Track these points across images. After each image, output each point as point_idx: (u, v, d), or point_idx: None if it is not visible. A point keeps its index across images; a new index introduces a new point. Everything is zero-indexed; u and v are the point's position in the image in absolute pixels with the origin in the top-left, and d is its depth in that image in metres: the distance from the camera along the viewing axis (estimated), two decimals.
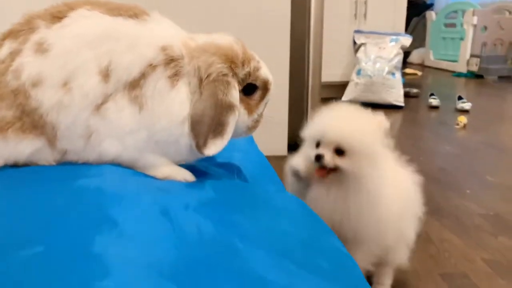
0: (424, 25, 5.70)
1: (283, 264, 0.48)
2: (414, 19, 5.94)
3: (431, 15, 5.54)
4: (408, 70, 4.96)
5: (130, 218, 0.48)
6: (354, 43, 3.36)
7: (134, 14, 0.62)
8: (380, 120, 0.89)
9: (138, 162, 0.62)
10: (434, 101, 3.26)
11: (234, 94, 0.61)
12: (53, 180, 0.55)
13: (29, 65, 0.57)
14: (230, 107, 0.60)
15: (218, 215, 0.54)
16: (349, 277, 0.53)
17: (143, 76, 0.59)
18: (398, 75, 3.22)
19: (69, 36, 0.58)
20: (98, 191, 0.52)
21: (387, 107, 3.10)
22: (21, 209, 0.47)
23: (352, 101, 3.20)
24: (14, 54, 0.58)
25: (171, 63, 0.60)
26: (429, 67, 5.49)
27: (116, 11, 0.61)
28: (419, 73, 5.02)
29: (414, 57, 5.85)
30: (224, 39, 0.64)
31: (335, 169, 0.86)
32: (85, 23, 0.59)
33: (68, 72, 0.57)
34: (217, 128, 0.59)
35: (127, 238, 0.45)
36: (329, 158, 0.85)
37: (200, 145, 0.59)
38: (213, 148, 0.60)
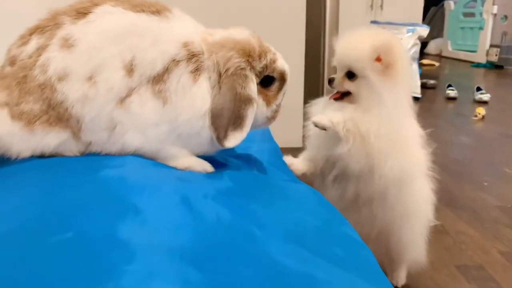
0: (442, 15, 5.59)
1: (299, 251, 0.50)
2: (432, 9, 5.83)
3: (449, 4, 5.43)
4: (425, 61, 4.89)
5: (152, 206, 0.50)
6: None
7: (157, 10, 0.63)
8: (394, 39, 0.89)
9: (160, 153, 0.64)
10: (451, 92, 3.21)
11: (252, 87, 0.63)
12: (79, 171, 0.57)
13: (55, 60, 0.59)
14: (248, 100, 0.62)
15: (236, 204, 0.55)
16: (363, 265, 0.54)
17: (166, 71, 0.61)
18: (414, 66, 3.18)
19: (94, 31, 0.60)
20: (122, 181, 0.54)
21: None
22: (50, 197, 0.50)
23: None
24: (41, 49, 0.60)
25: (193, 58, 0.62)
26: (446, 57, 5.39)
27: (139, 7, 0.63)
28: (437, 64, 4.94)
29: (432, 47, 5.75)
30: (241, 34, 0.65)
31: (349, 93, 0.90)
32: (110, 19, 0.61)
33: (93, 67, 0.59)
34: (236, 121, 0.61)
35: (150, 224, 0.47)
36: (338, 81, 0.90)
37: (220, 138, 0.61)
38: (233, 140, 0.61)
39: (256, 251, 0.47)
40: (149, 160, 0.63)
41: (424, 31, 3.25)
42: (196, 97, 0.62)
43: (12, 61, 0.62)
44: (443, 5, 5.58)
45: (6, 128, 0.60)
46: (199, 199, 0.54)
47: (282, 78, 0.67)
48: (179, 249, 0.44)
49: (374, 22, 3.32)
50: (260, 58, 0.64)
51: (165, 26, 0.63)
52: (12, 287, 0.36)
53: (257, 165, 0.73)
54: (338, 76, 0.91)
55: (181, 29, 0.64)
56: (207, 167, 0.67)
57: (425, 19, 5.09)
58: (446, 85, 3.34)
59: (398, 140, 0.88)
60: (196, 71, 0.62)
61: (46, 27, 0.62)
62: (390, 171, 0.88)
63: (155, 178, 0.57)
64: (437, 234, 1.33)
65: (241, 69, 0.62)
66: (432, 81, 3.61)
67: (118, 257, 0.40)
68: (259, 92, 0.65)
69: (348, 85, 0.90)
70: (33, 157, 0.61)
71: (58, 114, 0.60)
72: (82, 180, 0.54)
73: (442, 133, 2.49)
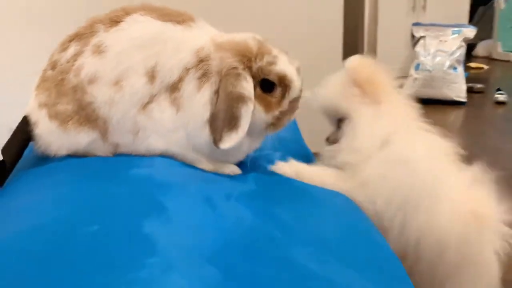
0: (492, 15, 5.33)
1: (320, 255, 0.50)
2: (481, 9, 5.58)
3: (499, 3, 5.17)
4: (472, 64, 4.67)
5: (177, 205, 0.52)
6: (413, 36, 3.24)
7: (182, 20, 0.66)
8: (350, 68, 0.77)
9: (187, 157, 0.67)
10: (500, 97, 3.06)
11: (245, 85, 0.61)
12: (109, 170, 0.61)
13: (87, 64, 0.64)
14: (240, 98, 0.60)
15: (258, 206, 0.56)
16: (388, 272, 0.53)
17: (181, 79, 0.63)
18: (460, 69, 3.05)
19: (123, 39, 0.64)
20: (149, 180, 0.57)
21: (448, 103, 2.96)
22: (82, 194, 0.53)
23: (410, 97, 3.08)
24: (77, 55, 0.65)
25: (200, 63, 0.63)
26: (496, 60, 5.13)
27: (167, 17, 0.66)
28: (485, 67, 4.71)
29: (480, 49, 5.50)
30: (241, 36, 0.65)
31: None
32: (138, 27, 0.65)
33: (120, 72, 0.63)
34: (231, 122, 0.60)
35: (173, 222, 0.49)
36: (334, 135, 0.79)
37: (216, 140, 0.61)
38: (228, 141, 0.60)
39: (276, 253, 0.47)
40: (177, 161, 0.65)
41: (471, 32, 3.12)
42: (199, 105, 0.63)
43: (53, 66, 0.67)
44: (492, 4, 5.33)
45: (45, 126, 0.65)
46: (222, 200, 0.55)
47: (283, 84, 0.64)
48: (199, 247, 0.46)
49: (416, 24, 3.23)
50: (256, 59, 0.63)
51: (186, 35, 0.65)
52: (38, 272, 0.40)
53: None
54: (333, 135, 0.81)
55: (198, 37, 0.65)
56: (235, 169, 0.69)
57: (472, 20, 4.88)
58: (495, 89, 3.18)
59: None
60: (203, 77, 0.63)
61: (83, 35, 0.66)
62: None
63: (180, 178, 0.60)
64: None
65: (233, 68, 0.61)
66: (479, 85, 3.44)
67: (139, 250, 0.42)
68: (258, 96, 0.63)
69: (338, 134, 0.78)
70: (68, 157, 0.66)
71: (87, 115, 0.64)
72: (112, 178, 0.57)
73: (489, 140, 2.37)
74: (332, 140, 0.80)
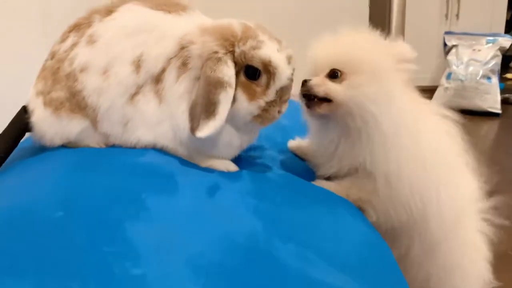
0: None
1: (305, 254, 0.46)
2: None
3: None
4: (509, 75, 4.48)
5: (158, 200, 0.49)
6: (445, 45, 3.13)
7: (175, 9, 0.64)
8: (399, 48, 0.65)
9: (176, 151, 0.64)
10: None
11: (225, 70, 0.57)
12: (96, 159, 0.59)
13: (80, 54, 0.64)
14: (219, 84, 0.57)
15: (249, 204, 0.53)
16: (384, 275, 0.49)
17: (163, 69, 0.62)
18: (494, 79, 2.92)
19: (113, 28, 0.63)
20: (133, 172, 0.54)
21: (481, 114, 2.83)
22: (59, 182, 0.52)
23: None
24: (73, 46, 0.65)
25: (181, 51, 0.61)
26: None
27: (160, 6, 0.64)
28: None
29: None
30: (227, 20, 0.62)
31: (329, 105, 0.65)
32: (128, 16, 0.64)
33: (109, 61, 0.62)
34: (209, 108, 0.57)
35: (150, 216, 0.46)
36: (316, 81, 0.65)
37: (193, 128, 0.58)
38: (206, 129, 0.57)
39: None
40: (168, 155, 0.63)
41: (507, 41, 2.98)
42: (176, 97, 0.60)
43: (52, 56, 0.68)
44: None
45: (40, 114, 0.65)
46: (207, 195, 0.52)
47: (267, 70, 0.59)
48: (173, 245, 0.42)
49: (448, 32, 3.13)
50: (239, 44, 0.59)
51: (174, 23, 0.63)
52: None
53: (282, 167, 0.70)
54: (315, 78, 0.66)
55: (186, 25, 0.63)
56: (230, 166, 0.65)
57: (511, 28, 4.68)
58: None
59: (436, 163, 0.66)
60: (182, 66, 0.60)
61: (82, 25, 0.66)
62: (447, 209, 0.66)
63: (168, 172, 0.57)
64: (508, 262, 1.18)
65: (214, 52, 0.58)
66: None
67: (101, 237, 0.39)
68: (241, 83, 0.60)
69: (334, 87, 0.64)
70: (61, 147, 0.65)
71: (77, 101, 0.63)
72: (96, 168, 0.55)
73: None
74: (314, 89, 0.65)
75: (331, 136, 0.67)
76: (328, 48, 0.66)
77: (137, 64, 0.62)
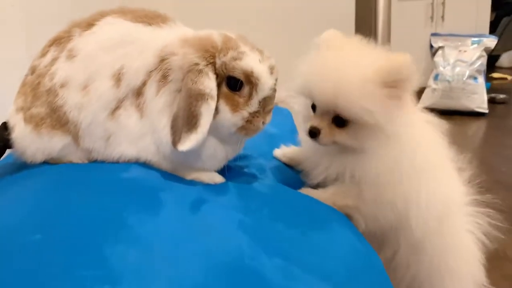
0: None
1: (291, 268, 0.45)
2: (505, 19, 5.43)
3: None
4: (495, 75, 4.54)
5: (146, 225, 0.47)
6: (431, 46, 3.17)
7: (155, 22, 0.64)
8: (399, 60, 0.60)
9: (160, 165, 0.63)
10: None
11: (206, 82, 0.57)
12: (80, 177, 0.58)
13: (61, 69, 0.62)
14: (200, 96, 0.56)
15: (241, 223, 0.51)
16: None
17: (144, 83, 0.61)
18: (481, 79, 2.96)
19: (92, 42, 0.62)
20: (115, 191, 0.53)
21: (468, 114, 2.86)
22: (41, 202, 0.50)
23: (429, 109, 3.01)
24: (54, 61, 0.64)
25: (161, 64, 0.60)
26: None
27: (140, 18, 0.64)
28: (509, 77, 4.56)
29: (505, 60, 5.34)
30: (206, 31, 0.62)
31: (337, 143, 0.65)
32: (107, 29, 0.63)
33: (88, 75, 0.61)
34: (191, 121, 0.56)
35: (140, 244, 0.44)
36: (326, 136, 0.63)
37: (175, 141, 0.57)
38: (188, 142, 0.56)
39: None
40: (153, 169, 0.62)
41: (491, 42, 3.02)
42: (156, 111, 0.60)
43: (33, 71, 0.66)
44: None
45: (20, 130, 0.63)
46: (191, 209, 0.51)
47: (250, 81, 0.58)
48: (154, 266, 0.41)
49: (434, 34, 3.16)
50: (220, 55, 0.58)
51: (154, 36, 0.62)
52: None
53: (269, 178, 0.69)
54: (321, 124, 0.64)
55: (166, 37, 0.62)
56: (217, 178, 0.64)
57: (497, 30, 4.74)
58: None
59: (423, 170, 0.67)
60: (162, 79, 0.59)
61: (62, 39, 0.65)
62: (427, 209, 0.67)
63: (154, 190, 0.56)
64: (497, 261, 1.19)
65: (195, 64, 0.57)
66: (502, 96, 3.32)
67: (79, 261, 0.38)
68: (224, 95, 0.59)
69: (340, 137, 0.64)
70: (44, 163, 0.63)
71: (58, 117, 0.62)
72: (79, 186, 0.54)
73: (511, 151, 2.27)
74: (323, 141, 0.65)
75: (326, 151, 0.68)
76: (330, 87, 0.62)
77: (118, 78, 0.61)
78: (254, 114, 0.60)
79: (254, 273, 0.43)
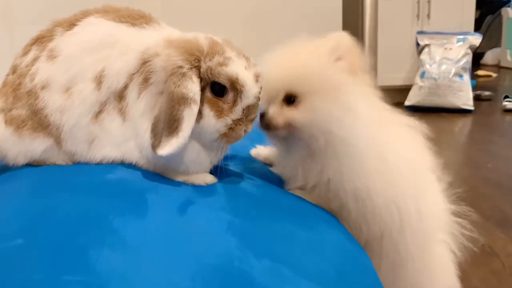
0: (500, 23, 5.27)
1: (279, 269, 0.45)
2: (489, 17, 5.52)
3: (507, 12, 5.11)
4: (480, 72, 4.61)
5: (133, 228, 0.46)
6: (418, 44, 3.19)
7: (139, 22, 0.62)
8: (336, 39, 0.63)
9: (149, 167, 0.62)
10: (509, 104, 2.98)
11: (190, 86, 0.55)
12: (63, 179, 0.56)
13: (41, 70, 0.61)
14: (183, 100, 0.55)
15: (230, 225, 0.50)
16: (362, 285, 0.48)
17: (126, 86, 0.59)
18: (466, 77, 2.99)
19: (74, 42, 0.61)
20: (98, 193, 0.52)
21: (454, 111, 2.89)
22: (22, 206, 0.49)
23: (416, 106, 3.03)
24: (35, 60, 0.62)
25: (143, 66, 0.58)
26: (505, 68, 5.05)
27: (123, 18, 0.62)
28: (494, 74, 4.63)
29: (489, 58, 5.42)
30: (192, 34, 0.60)
31: (290, 127, 0.63)
32: (89, 30, 0.61)
33: (70, 78, 0.60)
34: (172, 125, 0.55)
35: (126, 249, 0.43)
36: (273, 112, 0.63)
37: (154, 145, 0.55)
38: (168, 147, 0.54)
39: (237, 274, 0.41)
40: (139, 169, 0.61)
41: (476, 39, 3.06)
42: (138, 115, 0.58)
43: (14, 70, 0.65)
44: (500, 13, 5.26)
45: (1, 133, 0.62)
46: (178, 211, 0.50)
47: (234, 88, 0.57)
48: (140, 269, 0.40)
49: (420, 32, 3.18)
50: (205, 59, 0.57)
51: (137, 37, 0.61)
52: None
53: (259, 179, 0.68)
54: (272, 109, 0.64)
55: (149, 38, 0.61)
56: (208, 178, 0.63)
57: (481, 28, 4.80)
58: (503, 96, 3.10)
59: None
60: (144, 82, 0.58)
61: (44, 38, 0.63)
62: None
63: (141, 192, 0.54)
64: (484, 257, 1.20)
65: (178, 67, 0.56)
66: (487, 93, 3.37)
67: (62, 266, 0.37)
68: (208, 100, 0.58)
69: (292, 114, 0.62)
70: (26, 166, 0.62)
71: (39, 120, 0.61)
72: (62, 189, 0.53)
73: (497, 148, 2.30)
74: (274, 121, 0.63)
75: (296, 157, 0.66)
76: (276, 71, 0.64)
77: (99, 80, 0.60)
78: (237, 122, 0.59)
79: (243, 276, 0.42)
